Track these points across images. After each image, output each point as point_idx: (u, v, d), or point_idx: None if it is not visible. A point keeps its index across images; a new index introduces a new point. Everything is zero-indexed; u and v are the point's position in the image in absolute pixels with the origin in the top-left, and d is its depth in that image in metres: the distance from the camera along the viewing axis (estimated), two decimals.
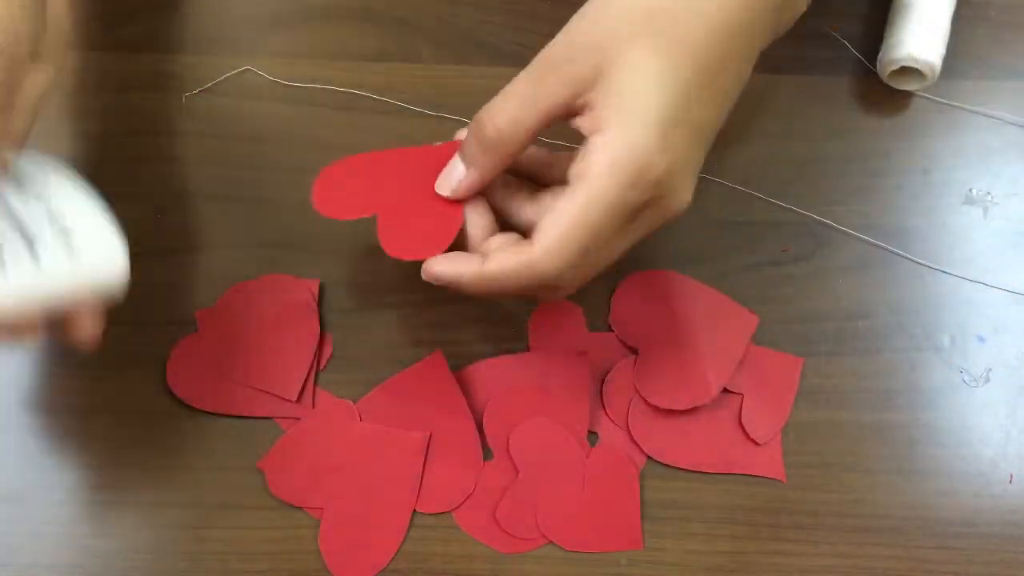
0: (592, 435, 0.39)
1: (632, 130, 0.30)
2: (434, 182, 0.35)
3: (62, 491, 0.38)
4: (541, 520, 0.37)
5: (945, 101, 0.45)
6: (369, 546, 0.37)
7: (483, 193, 0.35)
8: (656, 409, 0.39)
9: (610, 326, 0.41)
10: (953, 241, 0.43)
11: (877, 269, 0.42)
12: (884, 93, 0.45)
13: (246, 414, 0.39)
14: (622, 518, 0.38)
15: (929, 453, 0.39)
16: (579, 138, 0.32)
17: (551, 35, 0.34)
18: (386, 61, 0.46)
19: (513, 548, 0.37)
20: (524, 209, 0.34)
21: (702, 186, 0.43)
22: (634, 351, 0.40)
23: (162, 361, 0.40)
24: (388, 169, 0.38)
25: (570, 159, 0.32)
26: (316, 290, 0.41)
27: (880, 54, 0.44)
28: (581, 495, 0.38)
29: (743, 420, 0.39)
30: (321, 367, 0.40)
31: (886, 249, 0.42)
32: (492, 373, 0.40)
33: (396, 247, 0.35)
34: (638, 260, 0.42)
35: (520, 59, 0.33)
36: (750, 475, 0.39)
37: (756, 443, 0.39)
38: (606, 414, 0.39)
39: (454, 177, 0.34)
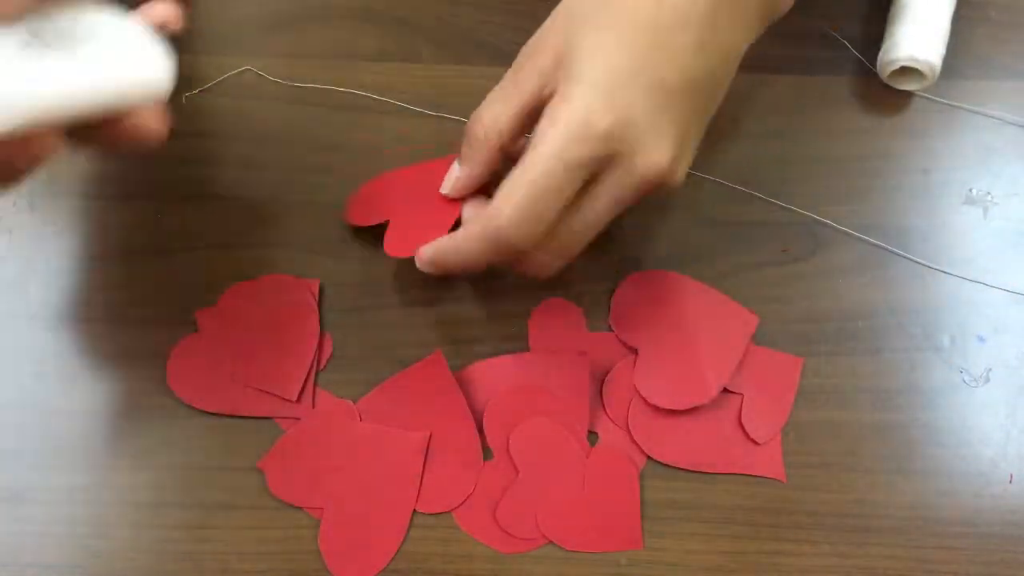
0: (592, 435, 0.39)
1: (574, 92, 0.32)
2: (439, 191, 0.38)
3: (62, 491, 0.38)
4: (541, 520, 0.37)
5: (945, 101, 0.45)
6: (369, 546, 0.37)
7: (485, 190, 0.37)
8: (656, 409, 0.39)
9: (610, 326, 0.41)
10: (953, 241, 0.43)
11: (877, 269, 0.42)
12: (884, 93, 0.45)
13: (246, 414, 0.39)
14: (622, 518, 0.38)
15: (929, 453, 0.39)
16: None
17: (531, 39, 0.35)
18: (386, 61, 0.46)
19: (513, 548, 0.37)
20: None
21: (702, 186, 0.43)
22: (634, 351, 0.40)
23: (162, 361, 0.40)
24: (407, 181, 0.42)
25: None
26: (316, 290, 0.41)
27: (880, 54, 0.45)
28: (581, 495, 0.38)
29: (743, 420, 0.39)
30: (321, 367, 0.40)
31: (886, 249, 0.42)
32: (492, 373, 0.40)
33: (394, 247, 0.39)
34: (638, 260, 0.42)
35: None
36: (750, 475, 0.39)
37: (756, 443, 0.39)
38: (606, 414, 0.39)
39: (452, 176, 0.37)
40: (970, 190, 0.44)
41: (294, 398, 0.39)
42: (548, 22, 0.35)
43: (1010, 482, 0.39)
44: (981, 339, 0.41)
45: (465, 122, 0.44)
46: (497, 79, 0.36)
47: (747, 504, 0.38)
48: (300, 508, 0.38)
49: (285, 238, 0.42)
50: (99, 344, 0.40)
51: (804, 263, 0.42)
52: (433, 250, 0.36)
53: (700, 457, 0.39)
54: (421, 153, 0.44)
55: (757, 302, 0.41)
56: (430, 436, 0.38)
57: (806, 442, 0.39)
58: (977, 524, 0.38)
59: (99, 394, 0.39)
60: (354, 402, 0.39)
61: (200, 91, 0.45)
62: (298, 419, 0.39)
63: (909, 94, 0.45)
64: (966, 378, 0.40)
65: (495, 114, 0.35)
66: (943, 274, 0.42)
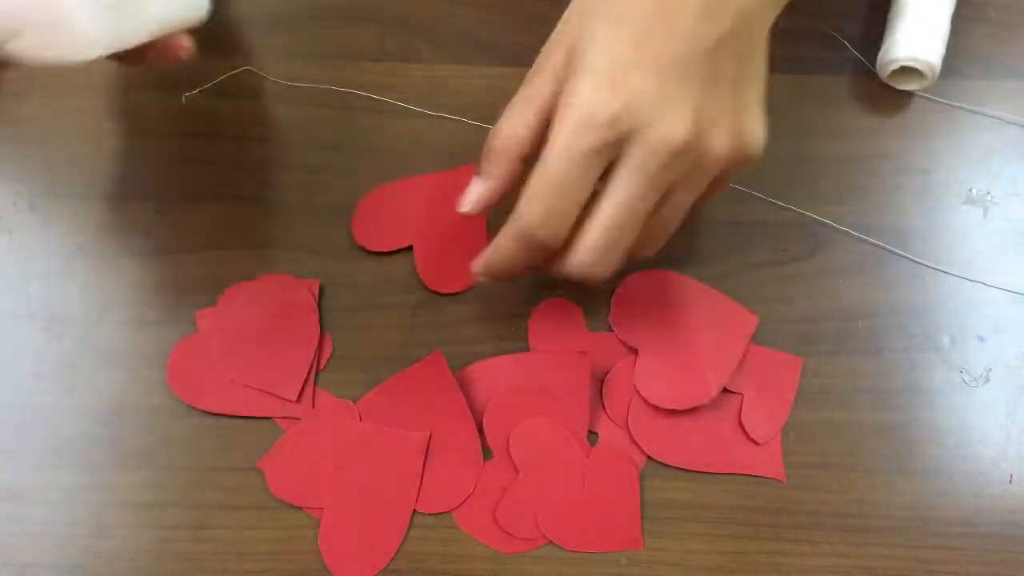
0: (592, 435, 0.39)
1: (580, 84, 0.31)
2: (454, 207, 0.38)
3: (62, 491, 0.38)
4: (541, 520, 0.37)
5: (945, 101, 0.45)
6: (369, 546, 0.37)
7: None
8: (656, 409, 0.39)
9: (610, 326, 0.41)
10: (953, 241, 0.43)
11: (877, 269, 0.42)
12: (884, 93, 0.45)
13: (246, 414, 0.39)
14: (622, 518, 0.38)
15: (929, 453, 0.39)
16: None
17: (550, 35, 0.34)
18: (386, 61, 0.46)
19: (513, 548, 0.37)
20: None
21: None
22: (634, 351, 0.40)
23: (162, 361, 0.40)
24: (416, 197, 0.43)
25: None
26: (316, 290, 0.41)
27: (880, 54, 0.44)
28: (581, 495, 0.38)
29: (743, 420, 0.39)
30: (321, 367, 0.40)
31: (886, 249, 0.42)
32: (492, 373, 0.40)
33: (436, 283, 0.41)
34: (638, 260, 0.42)
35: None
36: (750, 475, 0.39)
37: (756, 443, 0.39)
38: (606, 414, 0.39)
39: (471, 193, 0.36)
40: (970, 190, 0.44)
41: (294, 398, 0.39)
42: (562, 22, 0.34)
43: (1010, 482, 0.39)
44: (981, 339, 0.41)
45: (466, 122, 0.44)
46: (497, 79, 0.36)
47: (747, 504, 0.38)
48: (300, 508, 0.38)
49: (285, 238, 0.42)
50: (99, 344, 0.40)
51: (804, 263, 0.42)
52: (482, 262, 0.36)
53: (700, 457, 0.39)
54: (421, 153, 0.44)
55: (757, 302, 0.41)
56: (430, 436, 0.38)
57: (806, 442, 0.39)
58: (977, 524, 0.38)
59: (99, 394, 0.39)
60: (354, 402, 0.39)
61: (200, 91, 0.45)
62: (298, 419, 0.39)
63: (909, 94, 0.45)
64: (966, 378, 0.40)
65: (512, 125, 0.34)
66: (943, 274, 0.42)
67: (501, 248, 0.35)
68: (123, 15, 0.33)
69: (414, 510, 0.38)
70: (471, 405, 0.39)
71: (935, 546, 0.38)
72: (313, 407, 0.39)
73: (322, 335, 0.40)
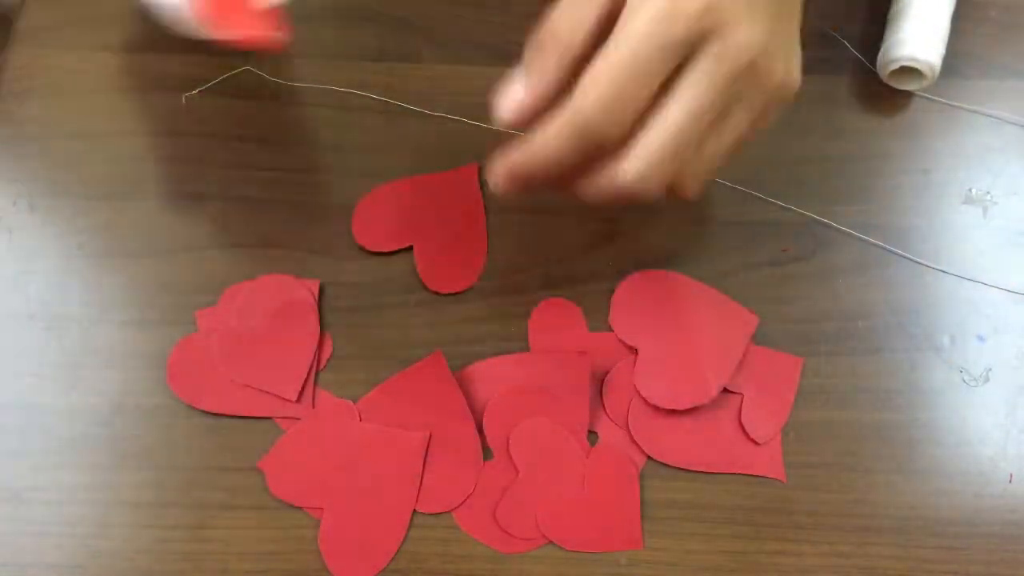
0: (592, 435, 0.39)
1: None
2: (457, 206, 0.39)
3: (62, 491, 0.38)
4: (541, 520, 0.37)
5: (945, 101, 0.45)
6: (369, 546, 0.37)
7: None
8: (656, 409, 0.39)
9: (610, 326, 0.41)
10: (953, 241, 0.43)
11: (877, 269, 0.42)
12: (884, 93, 0.45)
13: (246, 414, 0.39)
14: (622, 518, 0.38)
15: (929, 453, 0.39)
16: None
17: None
18: (386, 61, 0.46)
19: (513, 548, 0.37)
20: None
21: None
22: (634, 351, 0.40)
23: (162, 361, 0.40)
24: (416, 197, 0.43)
25: None
26: (316, 290, 0.41)
27: (880, 54, 0.45)
28: (581, 495, 0.38)
29: (743, 420, 0.39)
30: (321, 367, 0.40)
31: (886, 249, 0.42)
32: (492, 373, 0.40)
33: (436, 283, 0.41)
34: (638, 260, 0.42)
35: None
36: (750, 475, 0.39)
37: (756, 443, 0.39)
38: (606, 414, 0.39)
39: (511, 95, 0.32)
40: (970, 190, 0.44)
41: (294, 398, 0.39)
42: None
43: (1010, 482, 0.39)
44: (981, 339, 0.41)
45: (466, 122, 0.44)
46: (497, 79, 0.36)
47: (747, 504, 0.38)
48: (300, 508, 0.38)
49: (285, 238, 0.42)
50: (99, 344, 0.40)
51: (804, 263, 0.42)
52: (518, 158, 0.31)
53: (700, 457, 0.39)
54: (421, 153, 0.44)
55: (757, 302, 0.41)
56: (430, 436, 0.38)
57: (806, 442, 0.39)
58: (977, 524, 0.38)
59: (99, 394, 0.39)
60: (354, 402, 0.39)
61: (200, 91, 0.45)
62: (298, 419, 0.39)
63: (909, 94, 0.45)
64: (966, 378, 0.40)
65: (574, 12, 0.30)
66: (943, 274, 0.42)
67: (547, 141, 0.30)
68: None
69: (414, 510, 0.38)
70: (471, 405, 0.39)
71: (935, 546, 0.38)
72: (313, 407, 0.39)
73: (322, 335, 0.40)
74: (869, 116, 0.45)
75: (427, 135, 0.44)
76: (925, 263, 0.42)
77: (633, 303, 0.41)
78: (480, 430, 0.39)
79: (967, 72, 0.46)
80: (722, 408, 0.39)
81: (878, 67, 0.45)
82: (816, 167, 0.44)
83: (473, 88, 0.45)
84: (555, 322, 0.41)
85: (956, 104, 0.45)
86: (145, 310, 0.41)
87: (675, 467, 0.39)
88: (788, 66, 0.32)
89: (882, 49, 0.44)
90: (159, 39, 0.46)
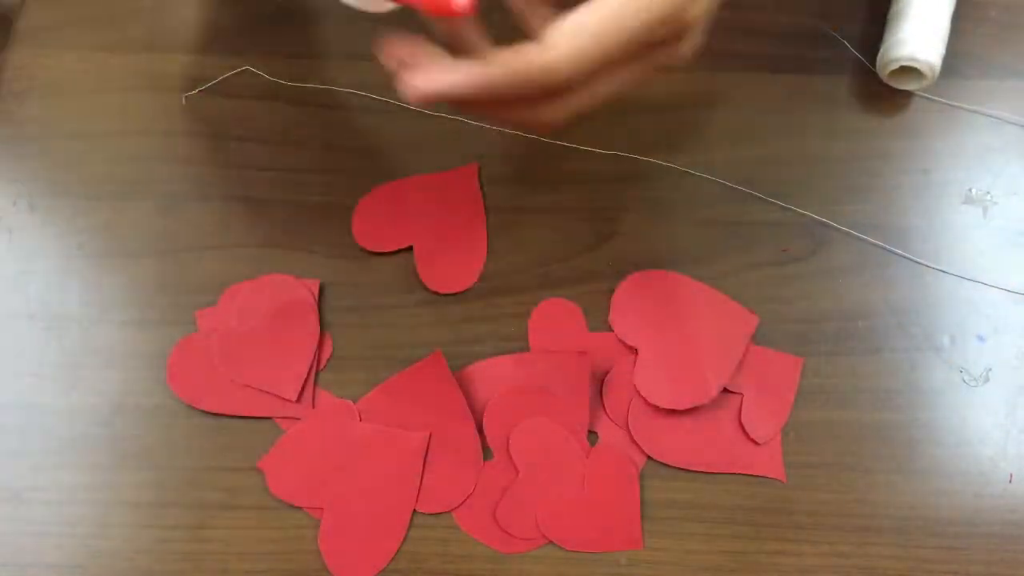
0: (592, 435, 0.39)
1: None
2: (457, 206, 0.39)
3: (62, 491, 0.38)
4: (541, 520, 0.37)
5: (945, 101, 0.45)
6: (369, 546, 0.37)
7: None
8: (656, 409, 0.39)
9: (610, 326, 0.41)
10: (953, 241, 0.43)
11: (877, 269, 0.42)
12: (884, 93, 0.45)
13: (246, 414, 0.39)
14: (622, 518, 0.38)
15: (929, 453, 0.39)
16: None
17: None
18: None
19: (513, 548, 0.37)
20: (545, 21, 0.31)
21: (702, 186, 0.43)
22: (634, 351, 0.40)
23: (162, 361, 0.40)
24: (416, 197, 0.43)
25: None
26: (316, 290, 0.41)
27: (880, 54, 0.44)
28: (581, 495, 0.38)
29: (743, 420, 0.39)
30: (321, 367, 0.40)
31: (886, 249, 0.42)
32: (492, 373, 0.40)
33: (436, 283, 0.41)
34: (638, 260, 0.42)
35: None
36: (750, 475, 0.39)
37: (756, 443, 0.39)
38: (606, 414, 0.39)
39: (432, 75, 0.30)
40: (970, 190, 0.44)
41: (294, 398, 0.39)
42: None
43: (1010, 482, 0.39)
44: (981, 339, 0.41)
45: (466, 122, 0.44)
46: None
47: (747, 504, 0.38)
48: (300, 508, 0.38)
49: (285, 238, 0.42)
50: (99, 344, 0.40)
51: (804, 263, 0.42)
52: (437, 80, 0.30)
53: (700, 457, 0.39)
54: (421, 153, 0.44)
55: (757, 302, 0.41)
56: (430, 436, 0.38)
57: (806, 442, 0.39)
58: (977, 524, 0.38)
59: (99, 394, 0.39)
60: (354, 402, 0.39)
61: (200, 91, 0.45)
62: (298, 419, 0.39)
63: (909, 94, 0.45)
64: (966, 378, 0.40)
65: None
66: (943, 274, 0.42)
67: (513, 73, 0.29)
68: None
69: (414, 510, 0.38)
70: (471, 405, 0.39)
71: (935, 546, 0.38)
72: (313, 407, 0.39)
73: (322, 335, 0.40)
74: (869, 116, 0.45)
75: (427, 135, 0.44)
76: (925, 263, 0.42)
77: (633, 303, 0.41)
78: (480, 430, 0.39)
79: (967, 72, 0.46)
80: (722, 408, 0.39)
81: (878, 67, 0.45)
82: (816, 167, 0.44)
83: None
84: (555, 322, 0.41)
85: (956, 104, 0.45)
86: (145, 310, 0.41)
87: (675, 467, 0.39)
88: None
89: (882, 49, 0.44)
90: (159, 39, 0.46)
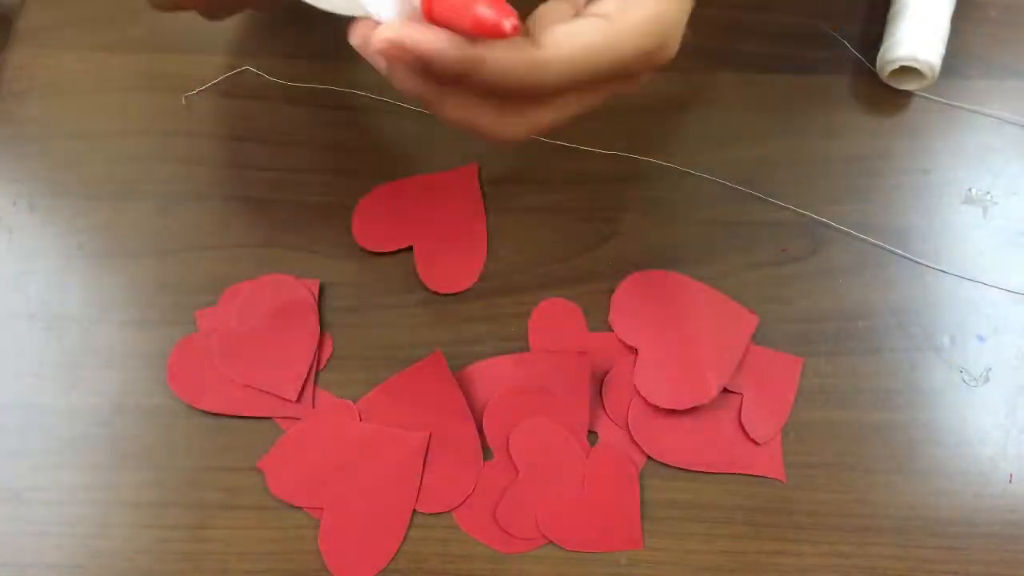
0: (592, 435, 0.39)
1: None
2: (457, 206, 0.38)
3: (62, 491, 0.38)
4: (541, 520, 0.37)
5: (945, 101, 0.45)
6: (369, 546, 0.37)
7: None
8: (656, 409, 0.39)
9: (610, 326, 0.41)
10: (953, 241, 0.43)
11: (877, 269, 0.42)
12: (884, 93, 0.45)
13: (246, 414, 0.39)
14: (622, 518, 0.38)
15: (929, 453, 0.39)
16: None
17: None
18: None
19: (513, 548, 0.37)
20: None
21: (702, 186, 0.43)
22: (634, 351, 0.40)
23: (162, 361, 0.40)
24: (416, 197, 0.43)
25: None
26: (316, 290, 0.41)
27: (880, 54, 0.45)
28: (581, 495, 0.38)
29: (743, 420, 0.39)
30: (321, 367, 0.40)
31: (886, 249, 0.42)
32: (492, 373, 0.40)
33: (436, 283, 0.41)
34: (638, 260, 0.42)
35: None
36: (750, 475, 0.39)
37: (756, 443, 0.39)
38: (606, 414, 0.39)
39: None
40: (970, 190, 0.44)
41: (294, 398, 0.39)
42: None
43: (1010, 482, 0.39)
44: (981, 339, 0.41)
45: None
46: None
47: (747, 504, 0.38)
48: (300, 508, 0.38)
49: (285, 238, 0.42)
50: (99, 344, 0.40)
51: (803, 263, 0.42)
52: (426, 46, 0.27)
53: (700, 457, 0.39)
54: (421, 153, 0.44)
55: (757, 302, 0.41)
56: (430, 436, 0.38)
57: (806, 442, 0.39)
58: (977, 524, 0.38)
59: (99, 394, 0.39)
60: (354, 402, 0.39)
61: (200, 91, 0.45)
62: (298, 419, 0.39)
63: (909, 94, 0.45)
64: (966, 378, 0.40)
65: None
66: (943, 274, 0.42)
67: (477, 55, 0.27)
68: None
69: (414, 510, 0.38)
70: (471, 405, 0.39)
71: (935, 546, 0.38)
72: (313, 407, 0.39)
73: (322, 335, 0.40)
74: (869, 116, 0.45)
75: (427, 135, 0.44)
76: (925, 263, 0.42)
77: (633, 303, 0.41)
78: (480, 430, 0.39)
79: (967, 72, 0.46)
80: (722, 408, 0.39)
81: (878, 67, 0.45)
82: (816, 167, 0.44)
83: None
84: (555, 322, 0.41)
85: (956, 104, 0.45)
86: (145, 310, 0.41)
87: (675, 467, 0.39)
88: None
89: (882, 49, 0.44)
90: (159, 39, 0.46)
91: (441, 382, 0.39)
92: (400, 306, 0.41)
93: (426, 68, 0.27)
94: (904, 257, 0.42)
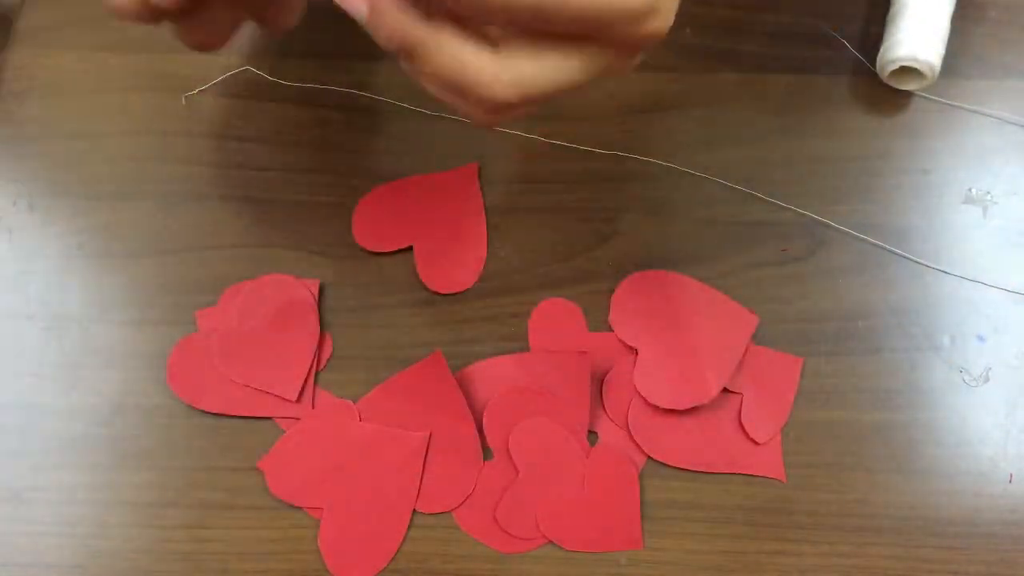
0: (592, 435, 0.39)
1: None
2: (457, 206, 0.38)
3: (62, 491, 0.38)
4: (541, 520, 0.37)
5: (945, 101, 0.45)
6: (369, 546, 0.37)
7: None
8: (656, 409, 0.39)
9: (610, 326, 0.41)
10: (953, 241, 0.43)
11: (877, 269, 0.42)
12: (884, 93, 0.45)
13: (246, 414, 0.39)
14: (622, 518, 0.38)
15: (929, 453, 0.39)
16: None
17: None
18: (386, 61, 0.46)
19: (513, 548, 0.37)
20: None
21: (702, 186, 0.43)
22: (634, 351, 0.40)
23: (162, 361, 0.40)
24: (416, 197, 0.43)
25: None
26: (316, 290, 0.41)
27: (880, 54, 0.44)
28: (581, 495, 0.38)
29: (743, 420, 0.39)
30: (321, 367, 0.40)
31: (886, 249, 0.42)
32: (492, 373, 0.40)
33: (436, 283, 0.41)
34: (638, 260, 0.42)
35: None
36: (750, 475, 0.39)
37: (756, 443, 0.39)
38: (606, 414, 0.39)
39: None
40: (970, 190, 0.44)
41: (294, 398, 0.39)
42: None
43: (1010, 482, 0.39)
44: (981, 339, 0.41)
45: (465, 122, 0.44)
46: None
47: (747, 504, 0.38)
48: (300, 508, 0.38)
49: (285, 238, 0.42)
50: (99, 344, 0.40)
51: (803, 263, 0.42)
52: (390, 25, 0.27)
53: (700, 457, 0.39)
54: (421, 153, 0.44)
55: (757, 302, 0.41)
56: (430, 436, 0.38)
57: (806, 442, 0.39)
58: (977, 524, 0.38)
59: (99, 394, 0.39)
60: (354, 402, 0.39)
61: (200, 91, 0.45)
62: (298, 419, 0.39)
63: (909, 94, 0.45)
64: (966, 378, 0.40)
65: None
66: (943, 274, 0.42)
67: (431, 38, 0.27)
68: None
69: (414, 510, 0.38)
70: (471, 405, 0.39)
71: (935, 546, 0.38)
72: (313, 407, 0.39)
73: (322, 335, 0.40)
74: (869, 116, 0.45)
75: (427, 135, 0.44)
76: (925, 263, 0.42)
77: (633, 303, 0.41)
78: (480, 430, 0.39)
79: (967, 72, 0.46)
80: (722, 408, 0.39)
81: (878, 67, 0.45)
82: (816, 167, 0.44)
83: None
84: (555, 322, 0.41)
85: (956, 104, 0.45)
86: (145, 310, 0.41)
87: (675, 467, 0.39)
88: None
89: (882, 49, 0.44)
90: (159, 39, 0.46)
91: (441, 382, 0.39)
92: (400, 306, 0.41)
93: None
94: (904, 257, 0.42)
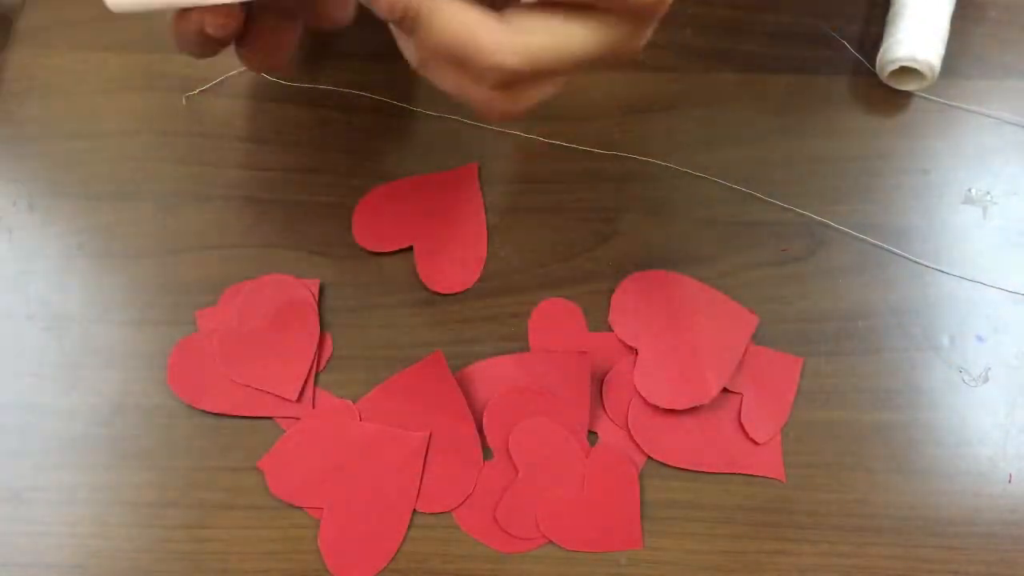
0: (592, 435, 0.39)
1: None
2: (457, 206, 0.38)
3: (62, 491, 0.38)
4: (541, 520, 0.37)
5: (945, 101, 0.45)
6: (369, 546, 0.37)
7: None
8: (656, 409, 0.39)
9: (610, 326, 0.41)
10: (953, 241, 0.43)
11: (877, 269, 0.42)
12: (884, 93, 0.45)
13: (246, 414, 0.39)
14: (622, 518, 0.38)
15: (929, 453, 0.39)
16: None
17: None
18: (386, 61, 0.46)
19: (513, 548, 0.37)
20: None
21: (702, 186, 0.43)
22: (634, 351, 0.40)
23: (162, 361, 0.40)
24: (414, 197, 0.43)
25: None
26: (316, 290, 0.41)
27: (879, 54, 0.44)
28: (581, 495, 0.38)
29: (743, 420, 0.39)
30: (321, 367, 0.40)
31: (886, 249, 0.42)
32: (492, 373, 0.40)
33: (436, 283, 0.41)
34: (638, 260, 0.42)
35: None
36: (750, 475, 0.39)
37: (756, 443, 0.39)
38: (606, 414, 0.39)
39: None
40: (969, 190, 0.44)
41: (294, 398, 0.39)
42: None
43: (1009, 482, 0.39)
44: (980, 339, 0.41)
45: (465, 122, 0.44)
46: None
47: (747, 504, 0.38)
48: (300, 508, 0.38)
49: (285, 238, 0.42)
50: (99, 344, 0.40)
51: (803, 263, 0.42)
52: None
53: (700, 457, 0.39)
54: (421, 153, 0.44)
55: (757, 302, 0.41)
56: (430, 436, 0.38)
57: (806, 442, 0.39)
58: (977, 524, 0.38)
59: (99, 394, 0.39)
60: (354, 402, 0.39)
61: (200, 91, 0.45)
62: (298, 419, 0.39)
63: (909, 94, 0.45)
64: (965, 378, 0.40)
65: None
66: (943, 274, 0.42)
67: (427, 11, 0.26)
68: None
69: (414, 510, 0.38)
70: (471, 405, 0.39)
71: (935, 546, 0.38)
72: (313, 407, 0.39)
73: (322, 335, 0.40)
74: (869, 116, 0.45)
75: (427, 135, 0.44)
76: (925, 263, 0.42)
77: (633, 303, 0.41)
78: (480, 430, 0.39)
79: (967, 72, 0.46)
80: (722, 408, 0.39)
81: (878, 67, 0.45)
82: (816, 167, 0.44)
83: None
84: (555, 322, 0.41)
85: (956, 104, 0.45)
86: (145, 310, 0.41)
87: (675, 467, 0.39)
88: None
89: (882, 49, 0.44)
90: (159, 39, 0.46)
91: (441, 382, 0.39)
92: (400, 306, 0.41)
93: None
94: (904, 257, 0.42)
